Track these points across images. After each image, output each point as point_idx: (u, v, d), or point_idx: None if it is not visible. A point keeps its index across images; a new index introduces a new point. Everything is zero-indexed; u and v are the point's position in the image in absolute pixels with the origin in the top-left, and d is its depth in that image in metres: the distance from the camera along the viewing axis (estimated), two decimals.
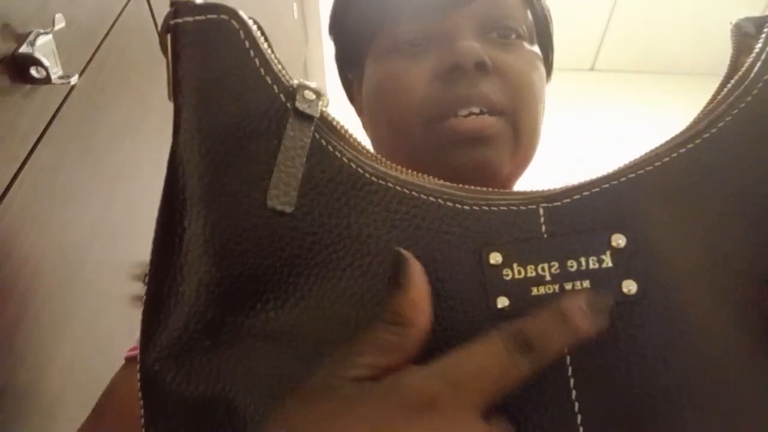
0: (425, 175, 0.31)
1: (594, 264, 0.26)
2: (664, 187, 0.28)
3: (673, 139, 0.30)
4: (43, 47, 0.46)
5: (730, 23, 0.34)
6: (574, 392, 0.25)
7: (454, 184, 0.30)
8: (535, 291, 0.26)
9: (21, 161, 0.46)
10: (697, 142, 0.29)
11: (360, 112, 0.53)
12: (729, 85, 0.31)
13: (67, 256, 0.53)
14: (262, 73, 0.29)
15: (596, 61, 3.21)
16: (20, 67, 0.45)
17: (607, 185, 0.28)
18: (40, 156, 0.48)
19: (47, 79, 0.46)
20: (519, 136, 0.43)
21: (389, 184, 0.29)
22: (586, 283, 0.26)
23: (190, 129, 0.28)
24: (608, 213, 0.27)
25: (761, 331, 0.26)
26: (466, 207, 0.28)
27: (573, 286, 0.26)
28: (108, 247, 0.60)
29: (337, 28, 0.53)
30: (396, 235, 0.28)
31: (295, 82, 0.30)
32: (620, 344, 0.25)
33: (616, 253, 0.26)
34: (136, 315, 0.73)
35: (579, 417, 0.25)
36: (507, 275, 0.27)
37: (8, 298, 0.44)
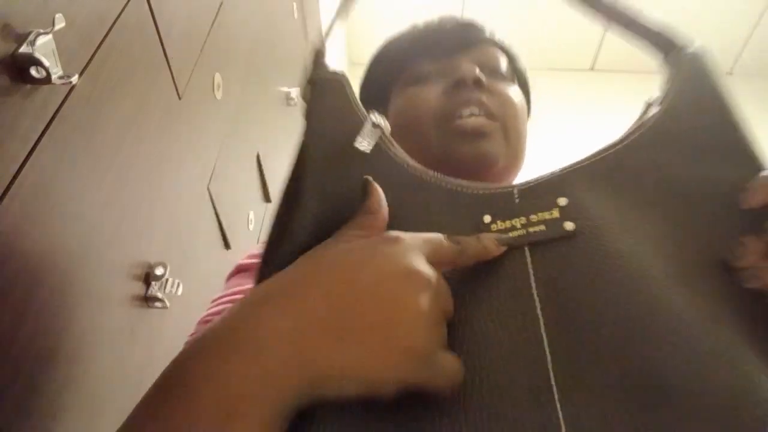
0: (441, 175, 0.44)
1: (546, 215, 0.39)
2: (593, 174, 0.42)
3: (608, 144, 0.43)
4: (43, 47, 0.46)
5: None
6: (534, 285, 0.37)
7: (463, 181, 0.44)
8: (512, 234, 0.39)
9: (21, 161, 0.46)
10: (618, 147, 0.43)
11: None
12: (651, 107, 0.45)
13: (67, 256, 0.53)
14: (355, 109, 0.46)
15: (596, 61, 3.20)
16: (20, 67, 0.45)
17: (559, 173, 0.42)
18: (40, 156, 0.48)
19: (47, 79, 0.46)
20: (509, 138, 0.56)
21: (424, 177, 0.44)
22: (542, 227, 0.39)
23: (314, 138, 0.43)
24: (557, 187, 0.41)
25: (674, 264, 0.36)
26: (469, 192, 0.43)
27: (534, 229, 0.39)
28: (108, 247, 0.60)
29: (368, 86, 0.68)
30: (427, 210, 0.42)
31: (370, 114, 0.45)
32: (568, 261, 0.37)
33: (560, 208, 0.39)
34: (136, 315, 0.74)
35: (538, 306, 0.36)
36: (494, 227, 0.40)
37: (8, 298, 0.44)
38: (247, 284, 0.55)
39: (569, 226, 0.38)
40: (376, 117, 0.44)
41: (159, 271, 0.71)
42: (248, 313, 0.31)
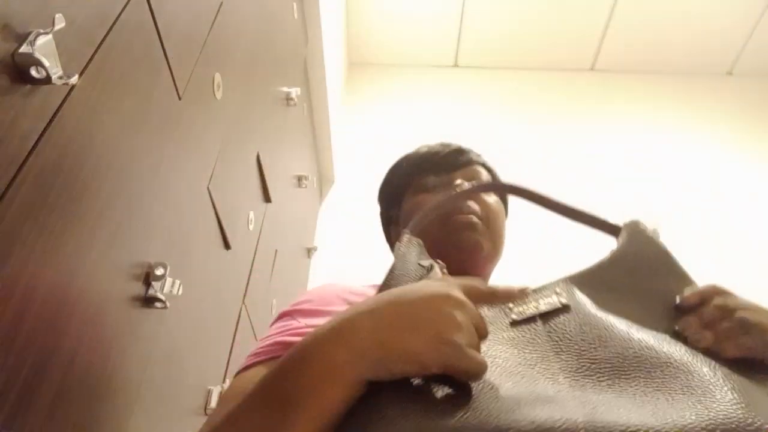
0: None
1: (549, 299, 0.58)
2: (577, 279, 0.62)
3: (584, 268, 0.64)
4: (43, 47, 0.46)
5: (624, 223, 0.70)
6: (546, 336, 0.54)
7: None
8: (527, 311, 0.58)
9: (21, 161, 0.46)
10: (591, 267, 0.64)
11: (397, 238, 0.84)
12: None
13: (67, 256, 0.53)
14: (423, 252, 0.68)
15: (596, 61, 3.20)
16: (20, 67, 0.45)
17: (556, 279, 0.62)
18: (40, 156, 0.48)
19: (47, 79, 0.46)
20: (492, 234, 0.78)
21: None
22: (546, 306, 0.57)
23: (398, 264, 0.64)
24: (554, 284, 0.61)
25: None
26: None
27: (542, 307, 0.57)
28: (108, 247, 0.60)
29: (386, 191, 0.91)
30: None
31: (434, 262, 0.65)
32: (565, 320, 0.55)
33: (557, 293, 0.59)
34: (136, 315, 0.74)
35: (550, 346, 0.53)
36: (516, 309, 0.59)
37: (8, 298, 0.44)
38: (292, 323, 0.68)
39: (563, 300, 0.58)
40: (438, 263, 0.64)
41: (159, 271, 0.71)
42: (346, 317, 0.49)
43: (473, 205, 0.78)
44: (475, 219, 0.77)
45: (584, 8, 2.93)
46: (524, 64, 3.18)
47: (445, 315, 0.47)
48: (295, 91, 1.67)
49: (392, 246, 0.88)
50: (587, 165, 2.86)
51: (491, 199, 0.82)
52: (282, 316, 0.72)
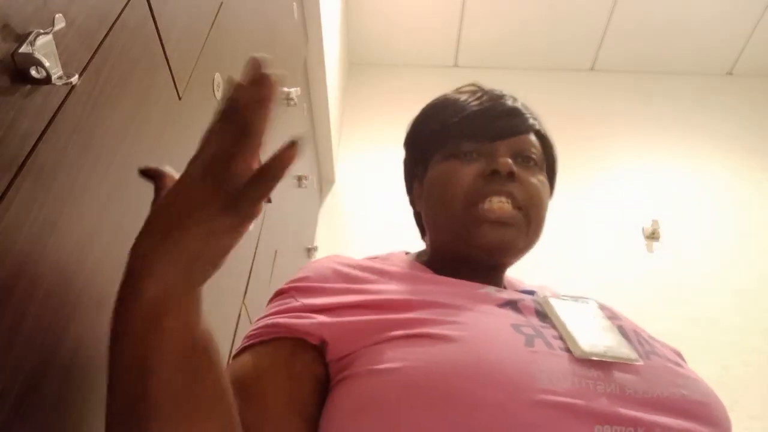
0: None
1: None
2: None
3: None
4: (43, 47, 0.46)
5: None
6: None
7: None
8: None
9: (21, 161, 0.46)
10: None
11: (417, 201, 0.75)
12: None
13: (67, 256, 0.53)
14: None
15: (596, 61, 3.20)
16: (20, 67, 0.45)
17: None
18: (40, 156, 0.48)
19: (47, 79, 0.46)
20: (529, 225, 0.64)
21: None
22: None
23: None
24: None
25: None
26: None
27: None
28: (108, 247, 0.60)
29: (414, 140, 0.77)
30: None
31: None
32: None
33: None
34: None
35: None
36: None
37: (8, 298, 0.44)
38: (290, 303, 0.61)
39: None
40: None
41: None
42: None
43: (513, 190, 0.63)
44: (510, 210, 0.63)
45: (584, 8, 2.93)
46: (524, 64, 3.18)
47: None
48: (295, 91, 1.67)
49: (412, 202, 0.77)
50: (587, 165, 2.86)
51: (538, 179, 0.67)
52: (278, 294, 0.65)
